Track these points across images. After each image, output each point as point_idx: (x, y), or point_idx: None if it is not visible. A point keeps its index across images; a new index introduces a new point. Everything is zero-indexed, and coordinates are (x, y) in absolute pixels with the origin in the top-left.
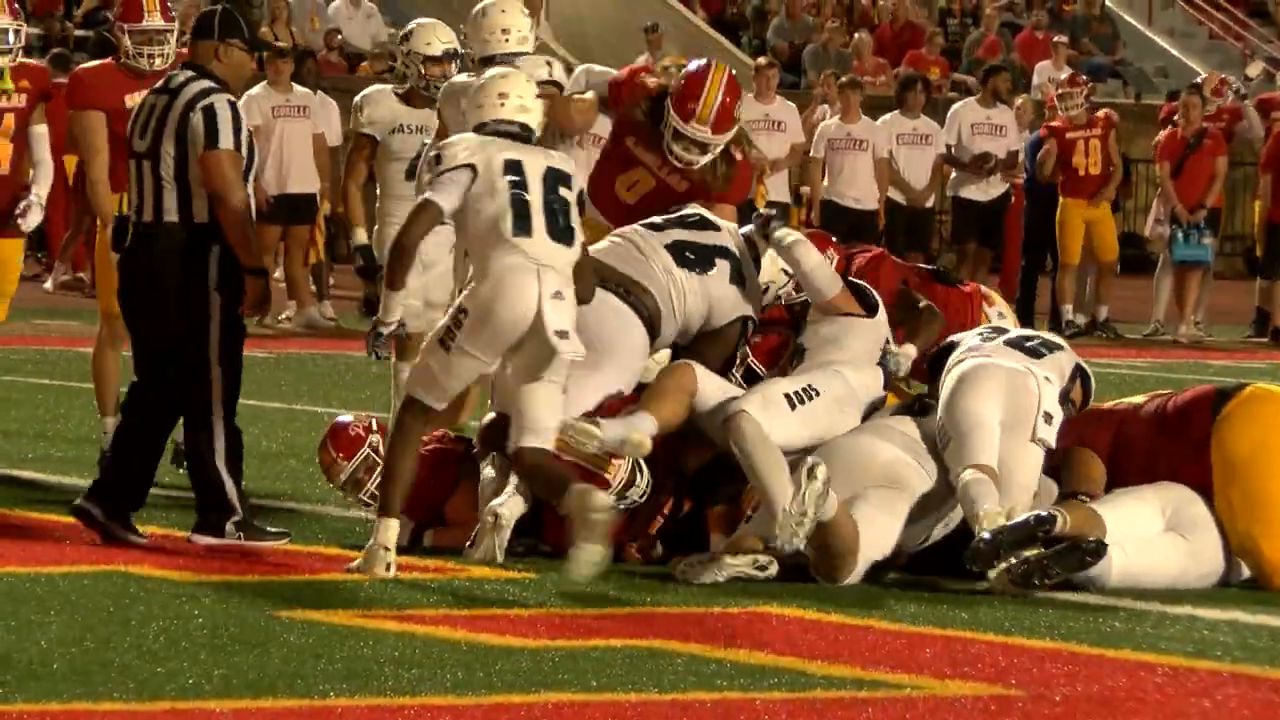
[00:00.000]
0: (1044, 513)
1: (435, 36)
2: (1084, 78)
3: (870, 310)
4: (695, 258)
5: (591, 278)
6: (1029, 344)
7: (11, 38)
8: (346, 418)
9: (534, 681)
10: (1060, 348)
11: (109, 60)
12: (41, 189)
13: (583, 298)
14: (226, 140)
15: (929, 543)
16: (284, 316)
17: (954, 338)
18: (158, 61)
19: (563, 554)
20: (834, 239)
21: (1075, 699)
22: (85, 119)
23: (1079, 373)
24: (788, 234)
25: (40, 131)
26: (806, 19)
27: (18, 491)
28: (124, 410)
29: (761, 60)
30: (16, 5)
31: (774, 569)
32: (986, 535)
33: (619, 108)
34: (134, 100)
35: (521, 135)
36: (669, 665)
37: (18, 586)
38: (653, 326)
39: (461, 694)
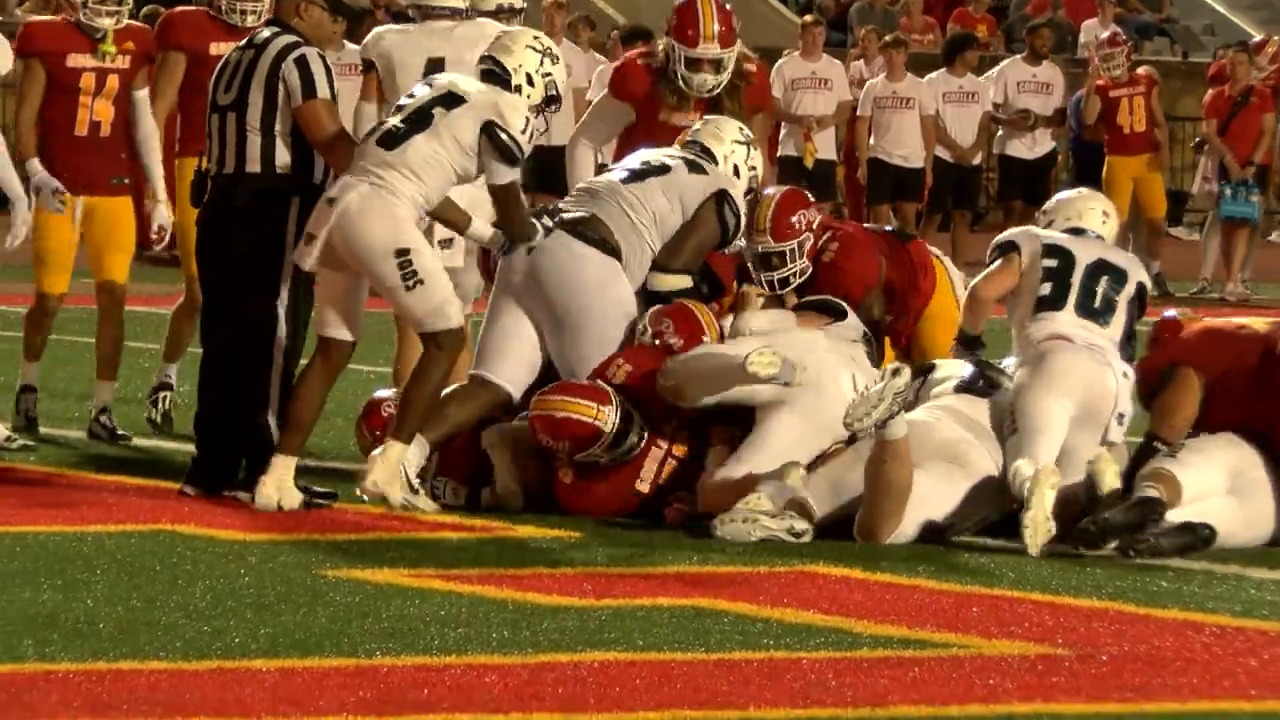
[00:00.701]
0: (1151, 496)
1: None
2: (1123, 37)
3: (838, 316)
4: (647, 168)
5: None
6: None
7: (122, 2)
8: (384, 393)
9: (580, 640)
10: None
11: (201, 7)
12: (151, 160)
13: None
14: (324, 90)
15: (986, 523)
16: None
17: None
18: (250, 19)
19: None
20: (812, 200)
21: (1122, 658)
22: (164, 59)
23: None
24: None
25: (143, 96)
26: None
27: (65, 451)
28: (200, 390)
29: (808, 18)
30: None
31: (808, 537)
32: (1094, 521)
33: (628, 91)
34: (219, 50)
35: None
36: (715, 624)
37: (65, 545)
38: (609, 248)
39: (507, 653)
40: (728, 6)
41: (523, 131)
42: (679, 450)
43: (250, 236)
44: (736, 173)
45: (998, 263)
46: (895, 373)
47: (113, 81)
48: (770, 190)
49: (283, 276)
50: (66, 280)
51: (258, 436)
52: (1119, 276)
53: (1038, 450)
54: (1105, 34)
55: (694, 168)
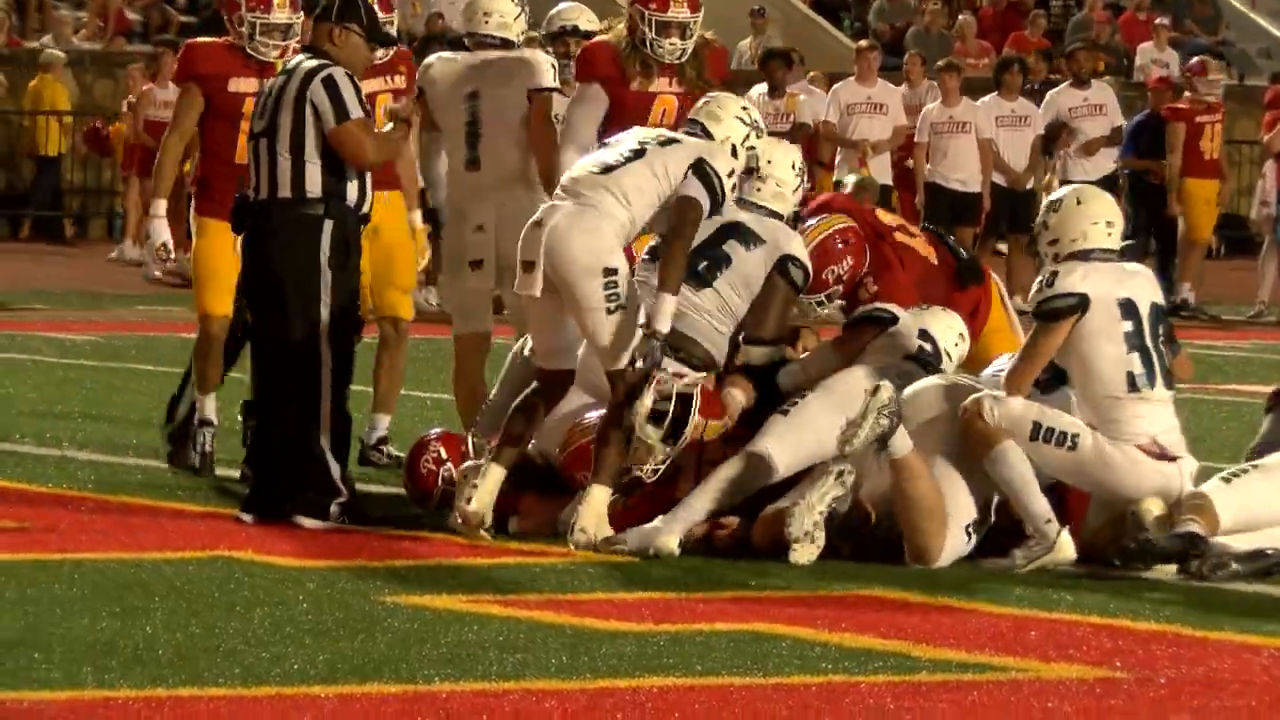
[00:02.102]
0: (1194, 531)
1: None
2: (1224, 61)
3: (887, 325)
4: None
5: None
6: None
7: (291, 32)
8: (435, 431)
9: (639, 666)
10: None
11: (225, 39)
12: None
13: None
14: (355, 110)
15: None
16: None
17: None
18: (273, 53)
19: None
20: (850, 239)
21: (1180, 681)
22: (184, 90)
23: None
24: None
25: None
26: (908, 2)
27: (123, 477)
28: (252, 418)
29: (863, 43)
30: None
31: (850, 475)
32: (1137, 543)
33: (595, 72)
34: (239, 86)
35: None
36: (774, 649)
37: (123, 572)
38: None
39: (566, 678)
40: None
41: (728, 175)
42: (712, 455)
43: (285, 261)
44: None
45: None
46: (875, 391)
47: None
48: (808, 232)
49: (321, 300)
50: (230, 301)
51: (312, 461)
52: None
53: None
54: (1196, 60)
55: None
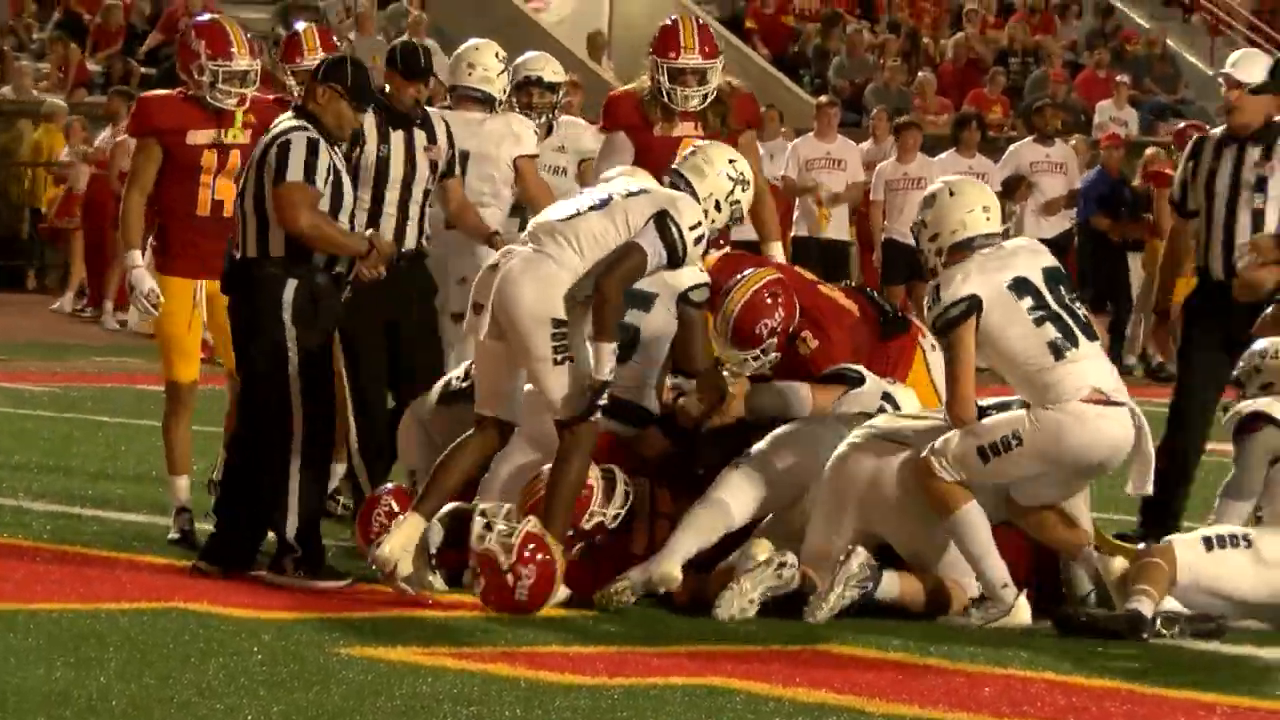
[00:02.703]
0: (1139, 613)
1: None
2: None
3: (856, 383)
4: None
5: None
6: None
7: (249, 79)
8: (387, 487)
9: (593, 719)
10: None
11: (178, 91)
12: None
13: None
14: (295, 173)
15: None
16: None
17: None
18: (231, 101)
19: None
20: (779, 295)
21: None
22: (140, 145)
23: None
24: (742, 386)
25: None
26: (867, 58)
27: (79, 528)
28: (224, 469)
29: (823, 99)
30: (257, 42)
31: (793, 571)
32: (1076, 614)
33: (618, 121)
34: (197, 138)
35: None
36: (728, 703)
37: (78, 623)
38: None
39: None
40: (709, 28)
41: (692, 229)
42: (666, 509)
43: (250, 320)
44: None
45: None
46: (846, 558)
47: (234, 158)
48: (736, 288)
49: (288, 359)
50: (196, 367)
51: (275, 515)
52: None
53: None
54: (1182, 124)
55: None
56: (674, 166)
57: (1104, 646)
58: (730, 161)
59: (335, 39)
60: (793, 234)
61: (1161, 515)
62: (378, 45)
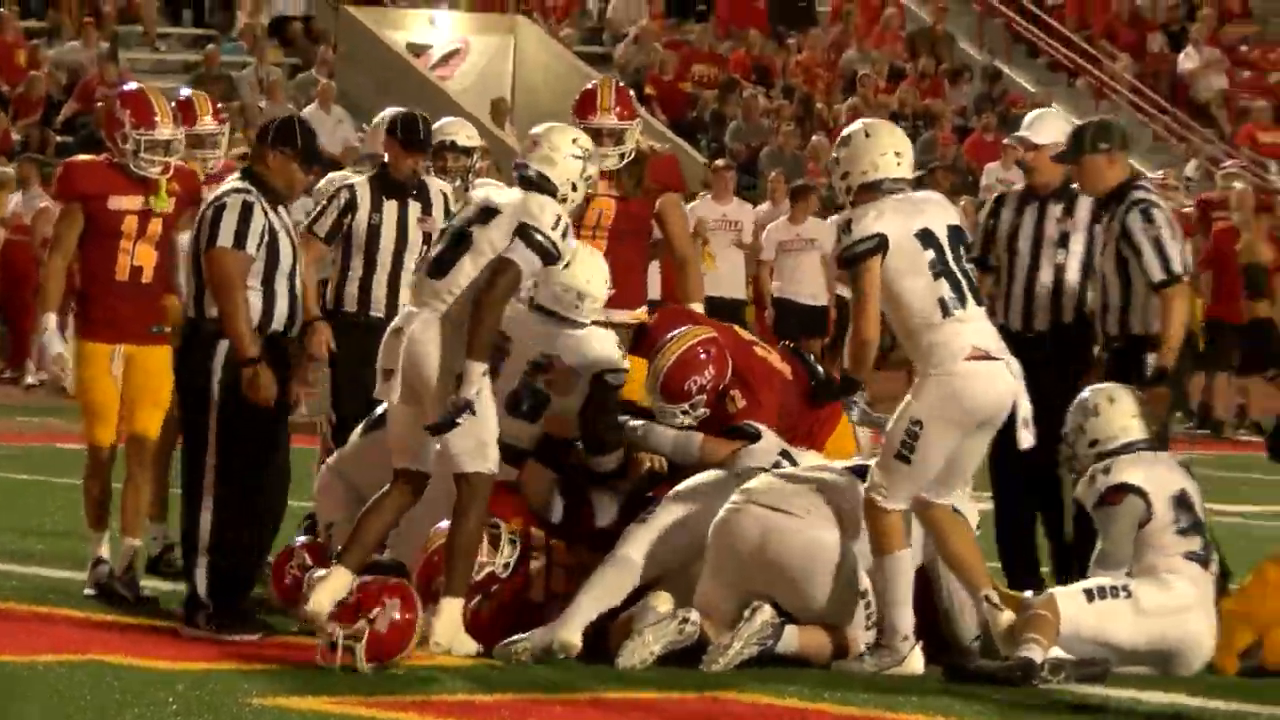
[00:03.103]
0: (1030, 660)
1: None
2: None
3: (752, 439)
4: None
5: None
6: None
7: (173, 148)
8: (299, 539)
9: None
10: None
11: (104, 157)
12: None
13: None
14: (225, 239)
15: None
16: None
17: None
18: (157, 169)
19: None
20: (712, 353)
21: None
22: (64, 210)
23: None
24: (638, 426)
25: (184, 240)
26: (763, 123)
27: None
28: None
29: (719, 162)
30: (178, 111)
31: (694, 626)
32: (966, 664)
33: None
34: (119, 204)
35: None
36: None
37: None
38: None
39: None
40: (628, 91)
41: (554, 228)
42: (561, 558)
43: (181, 379)
44: (574, 188)
45: None
46: (752, 614)
47: (155, 225)
48: (670, 343)
49: (209, 421)
50: (114, 430)
51: (189, 571)
52: None
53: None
54: (1158, 173)
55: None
56: (521, 161)
57: (990, 691)
58: (573, 141)
59: (219, 106)
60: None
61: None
62: (286, 112)
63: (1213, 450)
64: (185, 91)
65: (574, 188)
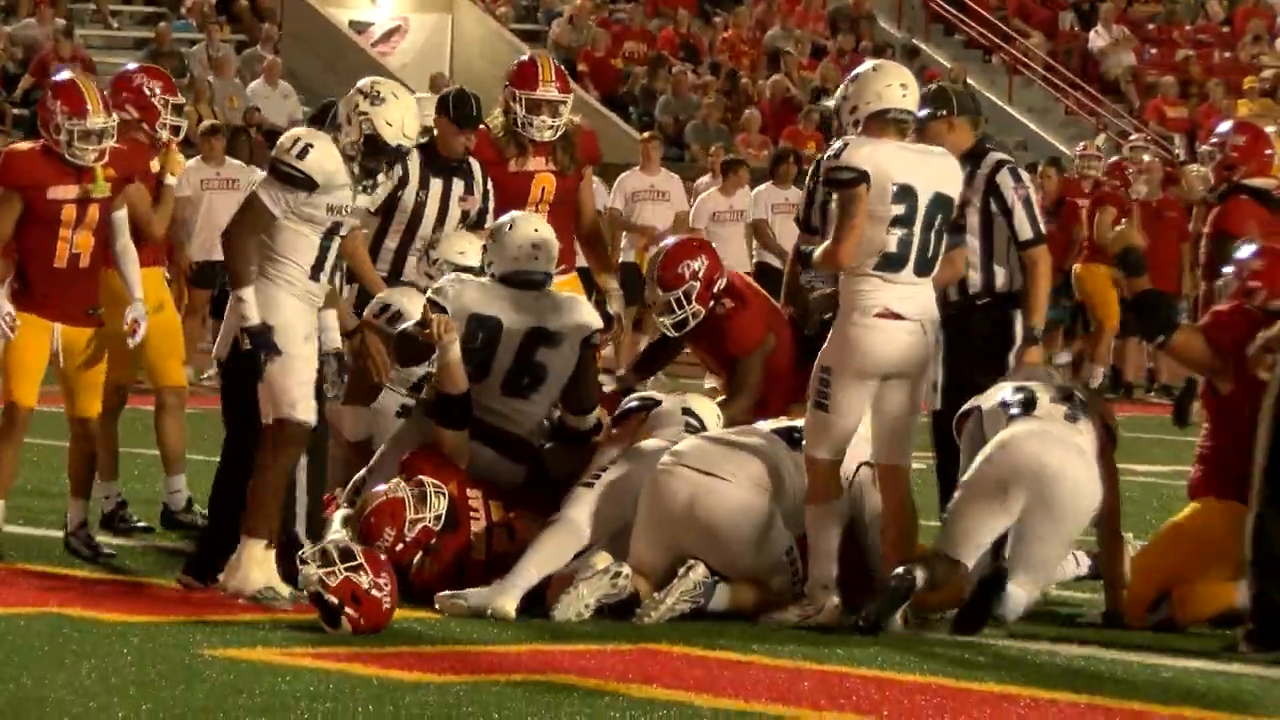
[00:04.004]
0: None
1: None
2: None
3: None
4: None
5: None
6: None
7: (105, 136)
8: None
9: (440, 714)
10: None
11: (43, 143)
12: (130, 271)
13: None
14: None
15: None
16: (206, 375)
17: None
18: (92, 156)
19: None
20: (705, 250)
21: None
22: (2, 195)
23: None
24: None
25: (121, 216)
26: (691, 97)
27: None
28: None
29: (647, 134)
30: (109, 98)
31: (627, 579)
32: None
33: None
34: (57, 193)
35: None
36: (565, 698)
37: None
38: None
39: None
40: (563, 69)
41: (290, 150)
42: (500, 518)
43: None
44: (349, 120)
45: None
46: (687, 571)
47: (94, 212)
48: (667, 240)
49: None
50: (35, 393)
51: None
52: None
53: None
54: (1115, 158)
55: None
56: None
57: (918, 644)
58: (360, 92)
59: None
60: (620, 260)
61: None
62: (234, 87)
63: (1124, 412)
64: (132, 66)
65: (348, 120)
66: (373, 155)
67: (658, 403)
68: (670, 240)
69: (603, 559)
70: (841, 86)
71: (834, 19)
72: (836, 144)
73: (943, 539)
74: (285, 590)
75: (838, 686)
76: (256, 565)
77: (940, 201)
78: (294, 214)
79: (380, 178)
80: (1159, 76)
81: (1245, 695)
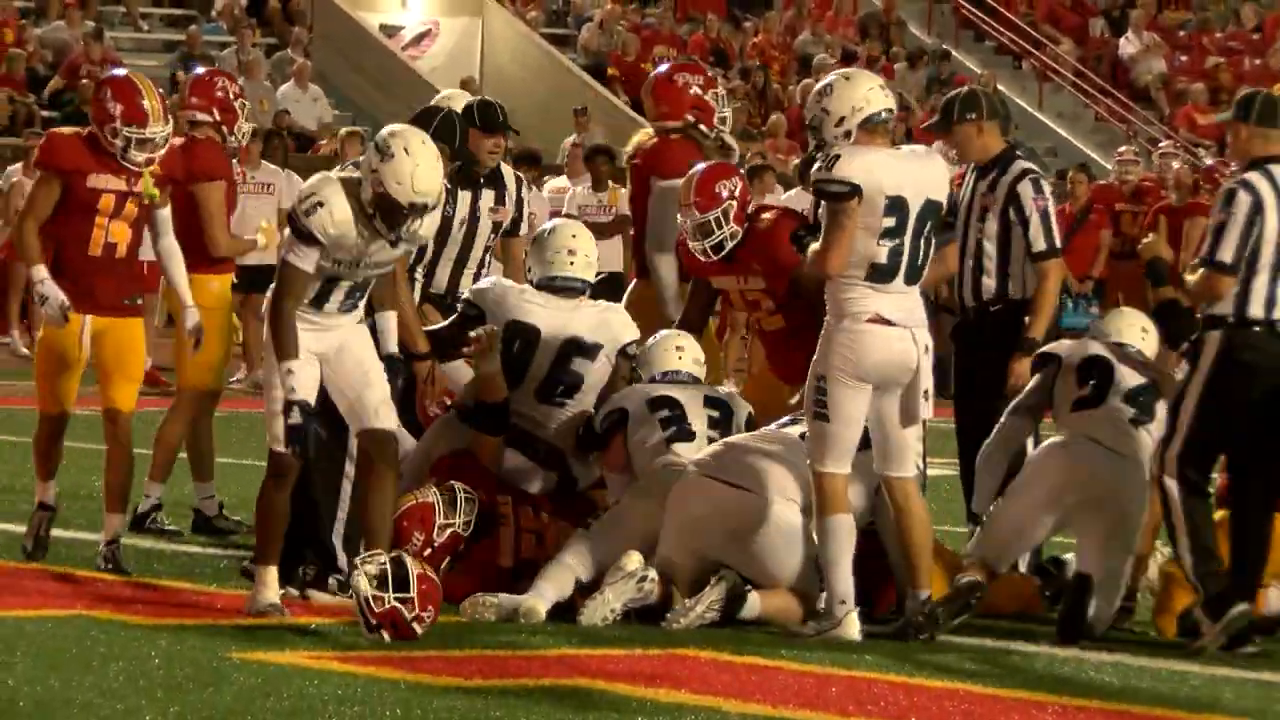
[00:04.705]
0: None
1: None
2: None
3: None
4: None
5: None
6: None
7: (159, 142)
8: None
9: (466, 718)
10: None
11: (88, 130)
12: (176, 272)
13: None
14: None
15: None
16: (236, 379)
17: None
18: (141, 161)
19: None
20: (737, 170)
21: None
22: (41, 178)
23: None
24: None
25: (164, 215)
26: None
27: None
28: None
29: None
30: (188, 98)
31: (654, 584)
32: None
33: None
34: (96, 183)
35: None
36: (593, 703)
37: None
38: None
39: None
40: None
41: (302, 206)
42: (529, 524)
43: None
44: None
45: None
46: (718, 580)
47: (132, 205)
48: (699, 165)
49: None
50: (70, 401)
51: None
52: None
53: None
54: (1210, 161)
55: None
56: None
57: (944, 652)
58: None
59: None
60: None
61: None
62: (264, 90)
63: None
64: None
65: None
66: (388, 214)
67: (624, 411)
68: (700, 166)
69: (632, 560)
70: (813, 102)
71: (864, 24)
72: (829, 154)
73: (987, 545)
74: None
75: (865, 693)
76: (268, 588)
77: (930, 208)
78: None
79: (414, 227)
80: (1189, 83)
81: (1276, 704)
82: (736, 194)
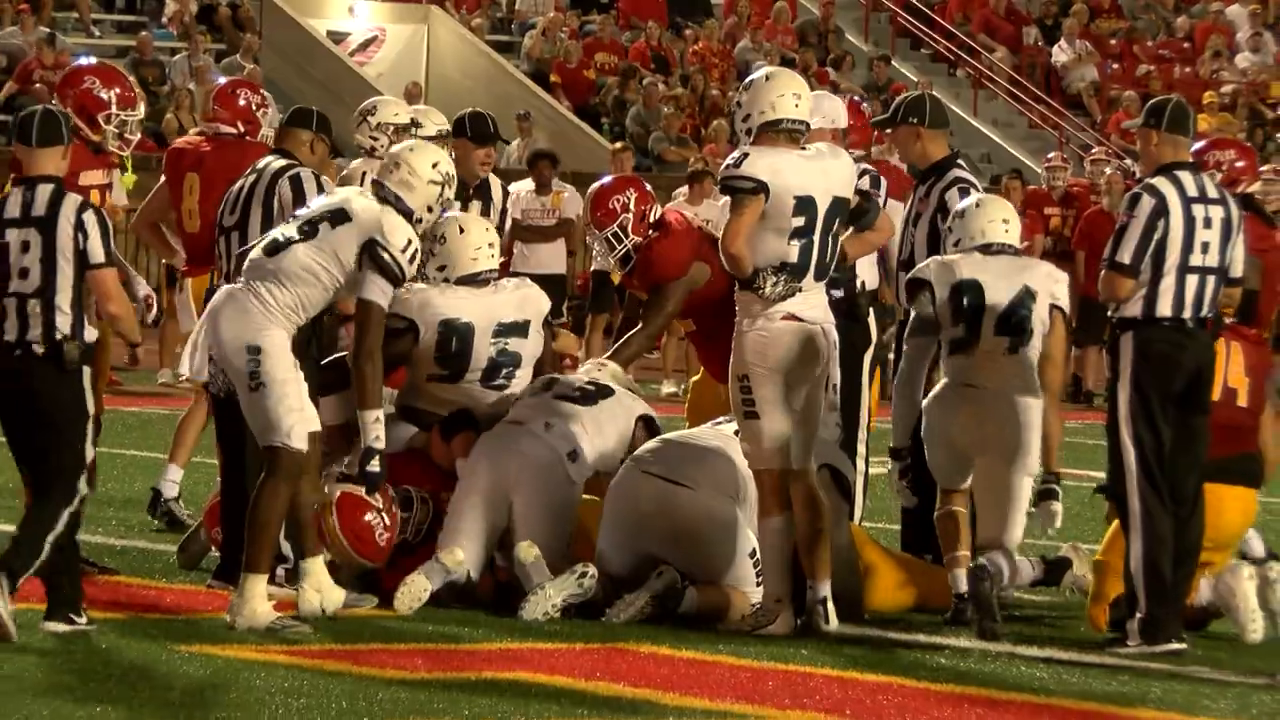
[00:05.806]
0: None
1: (400, 108)
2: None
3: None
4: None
5: None
6: None
7: (134, 128)
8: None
9: (411, 709)
10: None
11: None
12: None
13: None
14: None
15: None
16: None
17: None
18: (133, 144)
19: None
20: (636, 185)
21: None
22: None
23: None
24: None
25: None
26: (661, 108)
27: None
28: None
29: (618, 145)
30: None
31: (592, 580)
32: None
33: None
34: (89, 179)
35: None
36: (534, 695)
37: None
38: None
39: None
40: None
41: (403, 250)
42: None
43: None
44: (430, 210)
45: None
46: (659, 574)
47: (94, 197)
48: (598, 182)
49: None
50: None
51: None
52: None
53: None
54: (1051, 154)
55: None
56: (379, 180)
57: (878, 647)
58: (433, 166)
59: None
60: (593, 267)
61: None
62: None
63: (1085, 420)
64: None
65: (429, 210)
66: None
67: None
68: (597, 183)
69: (454, 555)
70: (736, 93)
71: (803, 32)
72: (736, 153)
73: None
74: (316, 602)
75: (801, 686)
76: (260, 599)
77: (837, 205)
78: (347, 285)
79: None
80: (1121, 91)
81: (1203, 699)
82: (631, 205)
